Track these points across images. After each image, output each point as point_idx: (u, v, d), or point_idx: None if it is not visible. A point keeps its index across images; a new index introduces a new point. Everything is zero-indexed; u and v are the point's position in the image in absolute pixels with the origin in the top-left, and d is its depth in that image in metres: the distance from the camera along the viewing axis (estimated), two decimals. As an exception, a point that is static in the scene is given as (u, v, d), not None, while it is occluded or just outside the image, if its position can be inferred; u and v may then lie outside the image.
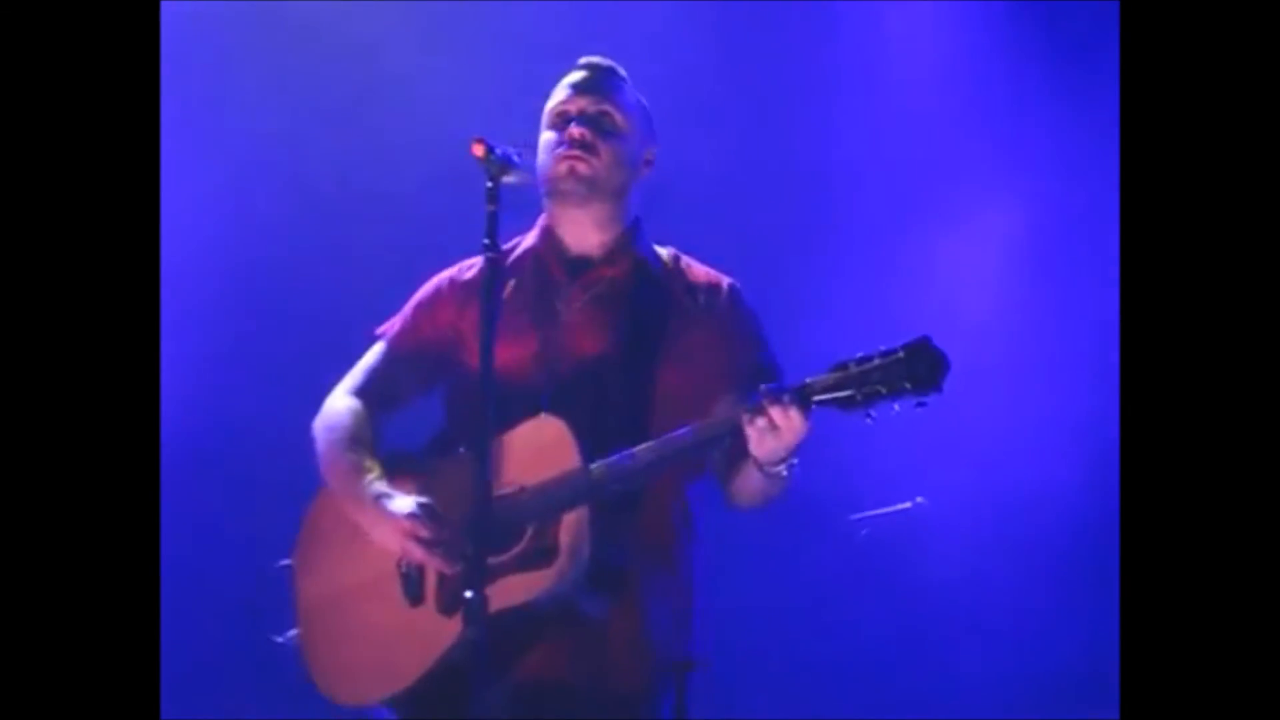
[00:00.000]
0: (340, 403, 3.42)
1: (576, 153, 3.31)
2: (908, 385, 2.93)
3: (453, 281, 3.42)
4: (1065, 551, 5.65)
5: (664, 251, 3.45)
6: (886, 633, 5.68)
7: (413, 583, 3.22)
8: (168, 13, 3.27)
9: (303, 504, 3.44)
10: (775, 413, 2.99)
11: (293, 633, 3.44)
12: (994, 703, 5.58)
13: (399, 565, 3.24)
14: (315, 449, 3.38)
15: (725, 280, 3.43)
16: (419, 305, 3.46)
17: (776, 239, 5.66)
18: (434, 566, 3.18)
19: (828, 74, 5.81)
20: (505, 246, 3.42)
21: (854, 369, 2.98)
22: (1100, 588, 4.96)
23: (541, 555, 3.10)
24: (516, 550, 3.11)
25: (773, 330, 3.43)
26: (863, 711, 5.62)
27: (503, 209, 2.98)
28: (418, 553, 3.17)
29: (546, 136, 3.37)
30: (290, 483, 3.50)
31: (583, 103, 3.36)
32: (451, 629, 3.11)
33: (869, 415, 2.98)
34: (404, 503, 3.20)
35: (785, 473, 3.11)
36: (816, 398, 3.00)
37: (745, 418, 3.02)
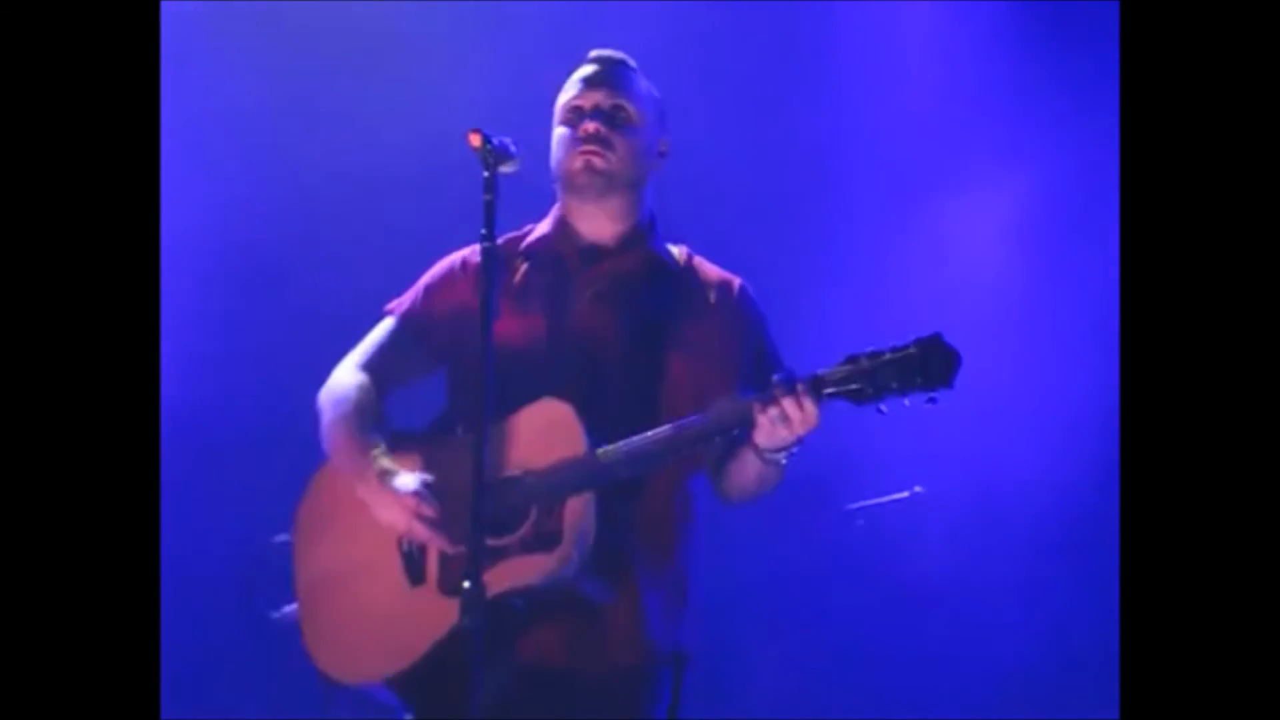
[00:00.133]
0: (347, 377, 3.40)
1: (593, 148, 3.31)
2: (919, 380, 2.95)
3: (465, 262, 3.41)
4: (1065, 541, 5.62)
5: (677, 249, 3.46)
6: (883, 622, 5.65)
7: (414, 562, 3.23)
8: (167, 9, 3.28)
9: (301, 481, 3.43)
10: (788, 403, 3.01)
11: (289, 608, 3.45)
12: (992, 694, 5.56)
13: (400, 544, 3.24)
14: (320, 421, 3.37)
15: (736, 280, 3.44)
16: (431, 284, 3.45)
17: (773, 230, 5.64)
18: (437, 546, 3.18)
19: (826, 65, 5.79)
20: (518, 233, 3.45)
21: (866, 363, 2.99)
22: (1100, 577, 4.94)
23: (545, 539, 3.10)
24: (520, 533, 3.11)
25: (772, 321, 3.44)
26: (859, 702, 5.61)
27: (499, 198, 3.00)
28: (421, 531, 3.17)
29: (560, 132, 3.38)
30: (289, 460, 3.52)
31: (596, 97, 3.36)
32: (452, 610, 3.05)
33: (880, 409, 3.00)
34: (409, 480, 3.20)
35: (785, 461, 3.13)
36: (828, 390, 3.01)
37: (757, 407, 3.04)
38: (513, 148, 3.02)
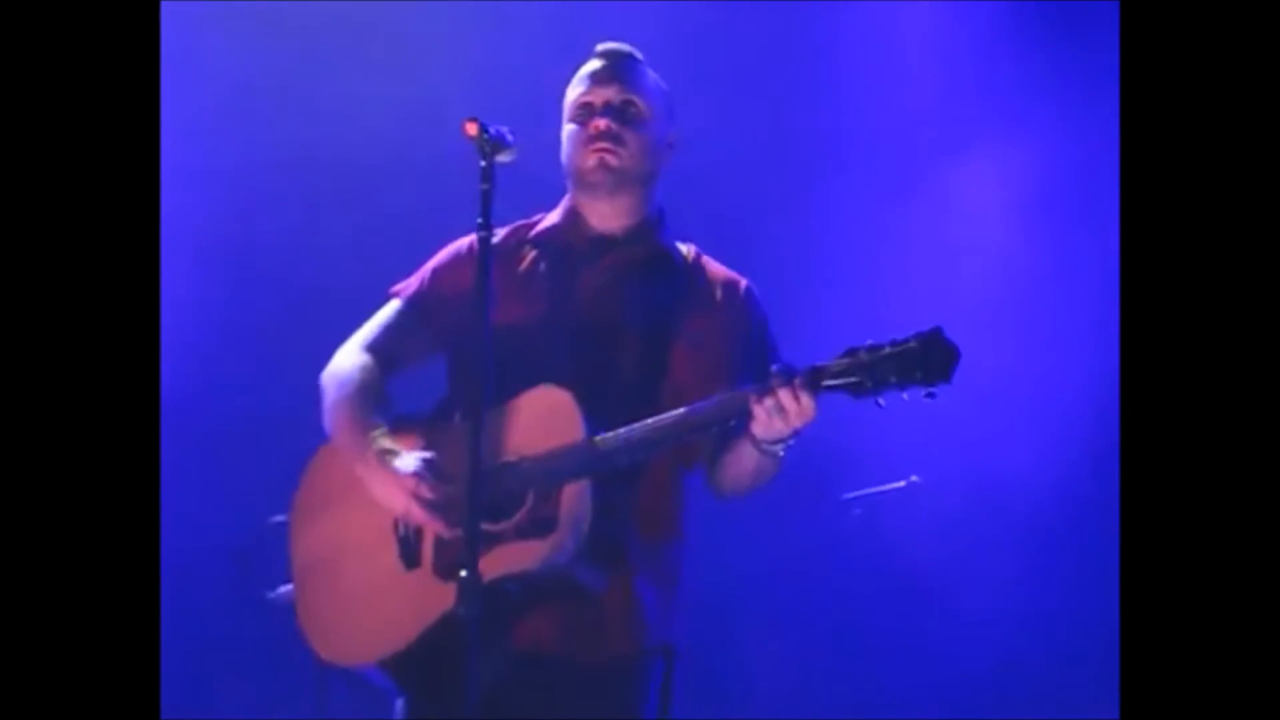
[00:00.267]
0: (351, 358, 3.41)
1: (605, 145, 3.32)
2: (918, 375, 2.94)
3: (472, 247, 3.39)
4: (1063, 530, 5.63)
5: (685, 247, 3.46)
6: (879, 613, 5.68)
7: (409, 546, 3.23)
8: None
9: (300, 463, 3.44)
10: (784, 395, 3.00)
11: (285, 589, 3.47)
12: (990, 685, 5.58)
13: (396, 527, 3.25)
14: (322, 401, 3.38)
15: (742, 281, 3.44)
16: (438, 268, 3.46)
17: (771, 224, 5.65)
18: (434, 528, 3.18)
19: (825, 54, 5.79)
20: (527, 221, 3.46)
21: (865, 356, 2.98)
22: (1099, 567, 4.92)
23: (541, 525, 3.10)
24: (515, 519, 3.12)
25: (773, 315, 3.45)
26: (855, 694, 5.63)
27: (496, 187, 3.01)
28: (418, 513, 3.17)
29: (570, 129, 3.38)
30: (287, 442, 3.53)
31: (606, 93, 3.36)
32: (447, 594, 3.06)
33: (879, 402, 2.99)
34: (408, 460, 3.20)
35: (782, 452, 3.13)
36: (826, 382, 3.01)
37: (754, 398, 3.03)
38: (509, 137, 3.02)
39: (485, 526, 3.03)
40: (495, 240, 3.29)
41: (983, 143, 5.84)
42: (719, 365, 3.26)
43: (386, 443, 3.25)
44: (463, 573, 2.83)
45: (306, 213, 5.50)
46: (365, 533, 3.28)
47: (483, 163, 3.01)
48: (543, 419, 3.16)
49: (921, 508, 5.50)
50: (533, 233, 3.45)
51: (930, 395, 2.97)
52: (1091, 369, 5.43)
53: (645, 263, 3.39)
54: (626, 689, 3.23)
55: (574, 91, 3.41)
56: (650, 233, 3.42)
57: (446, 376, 3.43)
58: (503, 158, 3.02)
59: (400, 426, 3.31)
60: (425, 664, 3.17)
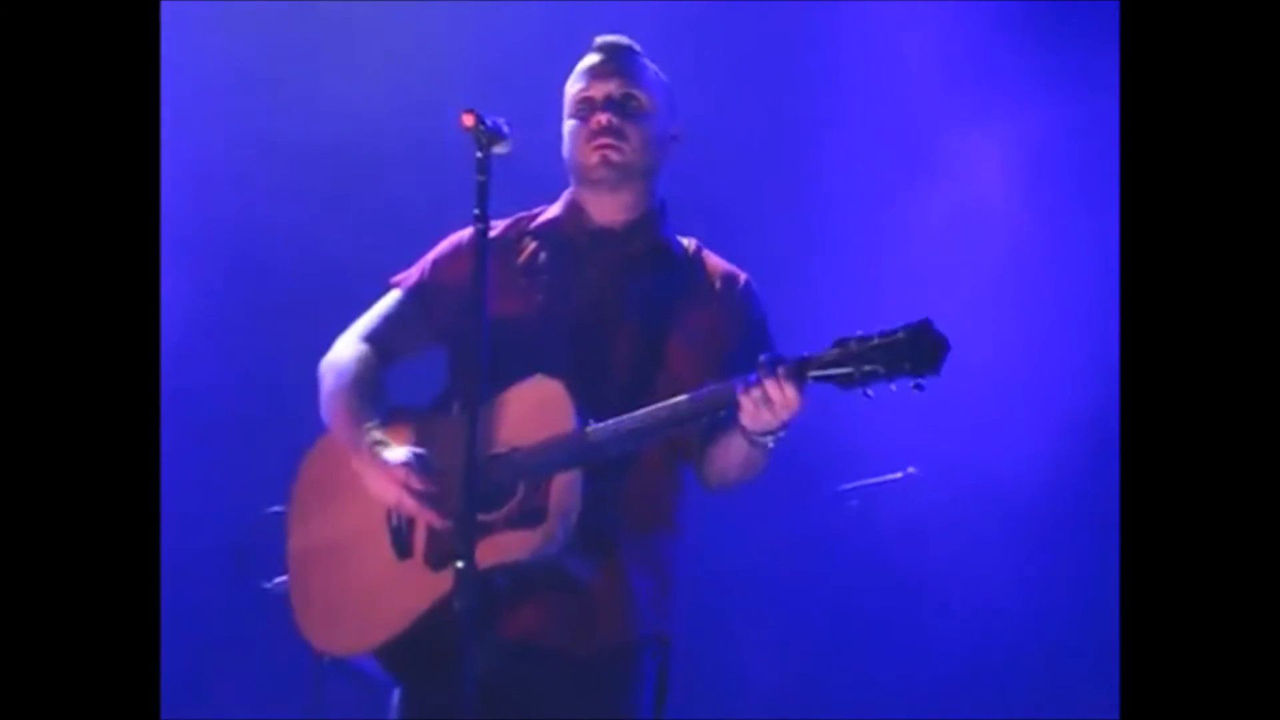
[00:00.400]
0: (349, 348, 3.42)
1: (607, 140, 3.32)
2: (906, 366, 2.92)
3: (472, 237, 3.36)
4: (1061, 523, 5.63)
5: (686, 241, 3.47)
6: (875, 604, 5.68)
7: (401, 536, 3.24)
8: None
9: (297, 454, 3.46)
10: (770, 385, 2.99)
11: (281, 579, 3.47)
12: (987, 677, 5.58)
13: (389, 518, 3.25)
14: (320, 391, 3.39)
15: (742, 275, 3.45)
16: (438, 259, 3.46)
17: (768, 217, 5.66)
18: (424, 519, 3.19)
19: (823, 44, 5.80)
20: (529, 214, 3.47)
21: (854, 346, 2.96)
22: (1098, 558, 4.96)
23: (531, 515, 3.11)
24: (506, 509, 3.12)
25: (771, 307, 3.45)
26: (851, 685, 5.64)
27: (493, 179, 3.00)
28: (409, 503, 3.18)
29: (571, 125, 3.38)
30: (285, 433, 3.54)
31: (607, 88, 3.36)
32: (437, 584, 3.10)
33: (866, 393, 2.97)
34: (398, 452, 3.21)
35: (771, 444, 3.12)
36: (813, 373, 3.00)
37: (741, 388, 3.03)
38: (506, 128, 3.02)
39: (479, 518, 3.02)
40: (496, 232, 3.33)
41: (982, 134, 5.82)
42: (716, 358, 3.25)
43: (378, 434, 3.25)
44: (459, 564, 2.83)
45: (304, 205, 5.51)
46: (359, 523, 3.29)
47: (479, 154, 3.00)
48: (534, 410, 3.16)
49: (918, 500, 5.50)
50: (533, 225, 3.46)
51: (918, 387, 2.95)
52: (1091, 360, 5.42)
53: (645, 256, 3.39)
54: (618, 680, 3.23)
55: (574, 86, 3.41)
56: (651, 227, 3.42)
57: (446, 368, 3.43)
58: (499, 149, 3.02)
59: (394, 418, 3.32)
60: (417, 654, 3.18)
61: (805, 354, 3.02)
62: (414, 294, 3.45)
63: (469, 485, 2.89)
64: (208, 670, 5.41)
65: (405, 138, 5.34)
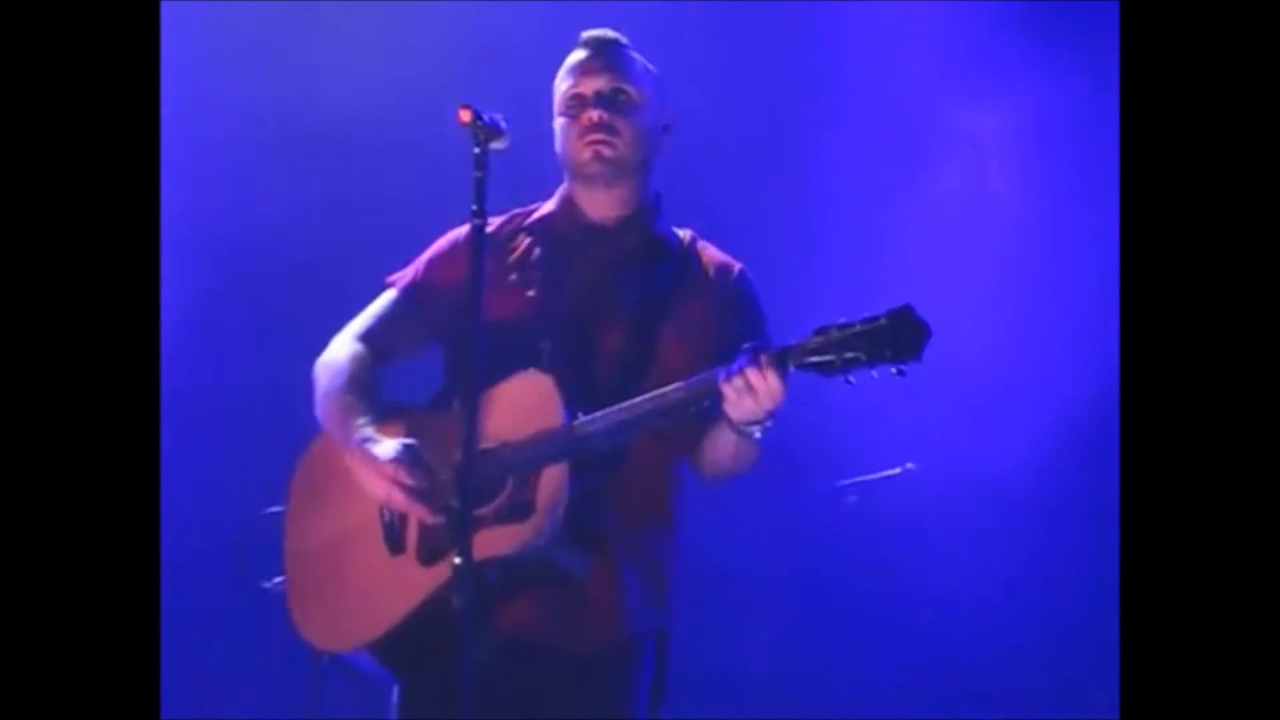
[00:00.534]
0: (344, 347, 3.44)
1: (599, 136, 3.32)
2: (888, 353, 2.91)
3: (468, 237, 3.38)
4: (1060, 518, 5.63)
5: (682, 232, 3.47)
6: (873, 600, 5.67)
7: (394, 532, 3.25)
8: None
9: (296, 453, 3.47)
10: (752, 374, 2.99)
11: (280, 579, 3.48)
12: (986, 675, 5.59)
13: (382, 514, 3.26)
14: (315, 390, 3.40)
15: (736, 265, 3.45)
16: (433, 258, 3.47)
17: (762, 200, 5.67)
18: (415, 514, 3.20)
19: (817, 34, 5.80)
20: (524, 210, 3.48)
21: (836, 334, 2.96)
22: (1098, 555, 4.97)
23: (519, 510, 3.11)
24: (495, 504, 3.12)
25: (766, 299, 3.44)
26: (850, 682, 5.63)
27: (490, 174, 2.99)
28: (398, 499, 3.19)
29: (562, 122, 3.38)
30: (286, 432, 3.53)
31: (596, 83, 3.36)
32: (429, 578, 3.13)
33: (848, 380, 2.96)
34: (387, 448, 3.22)
35: (759, 434, 3.11)
36: (795, 361, 2.99)
37: (723, 378, 3.02)
38: (503, 124, 3.01)
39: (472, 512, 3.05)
40: (491, 229, 3.32)
41: (980, 124, 5.83)
42: (710, 350, 3.23)
43: (369, 431, 3.27)
44: (457, 560, 2.83)
45: (303, 203, 5.51)
46: (354, 520, 3.30)
47: (476, 150, 3.00)
48: (523, 405, 3.16)
49: (917, 495, 5.50)
50: (528, 221, 3.46)
51: (900, 373, 2.93)
52: (1090, 355, 5.42)
53: (639, 251, 3.40)
54: (614, 675, 3.23)
55: (563, 83, 3.42)
56: (645, 221, 3.42)
57: (443, 367, 3.44)
58: (497, 145, 3.01)
59: (388, 416, 3.33)
60: (413, 649, 3.19)
61: (788, 343, 3.02)
62: (409, 293, 3.47)
63: (464, 481, 2.89)
64: (208, 671, 5.41)
65: (406, 133, 5.33)
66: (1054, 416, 5.61)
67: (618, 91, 3.36)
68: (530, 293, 3.35)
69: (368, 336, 3.45)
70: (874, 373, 2.94)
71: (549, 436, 3.13)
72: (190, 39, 5.21)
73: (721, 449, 3.23)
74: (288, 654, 3.53)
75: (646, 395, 3.11)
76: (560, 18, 3.50)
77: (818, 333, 2.99)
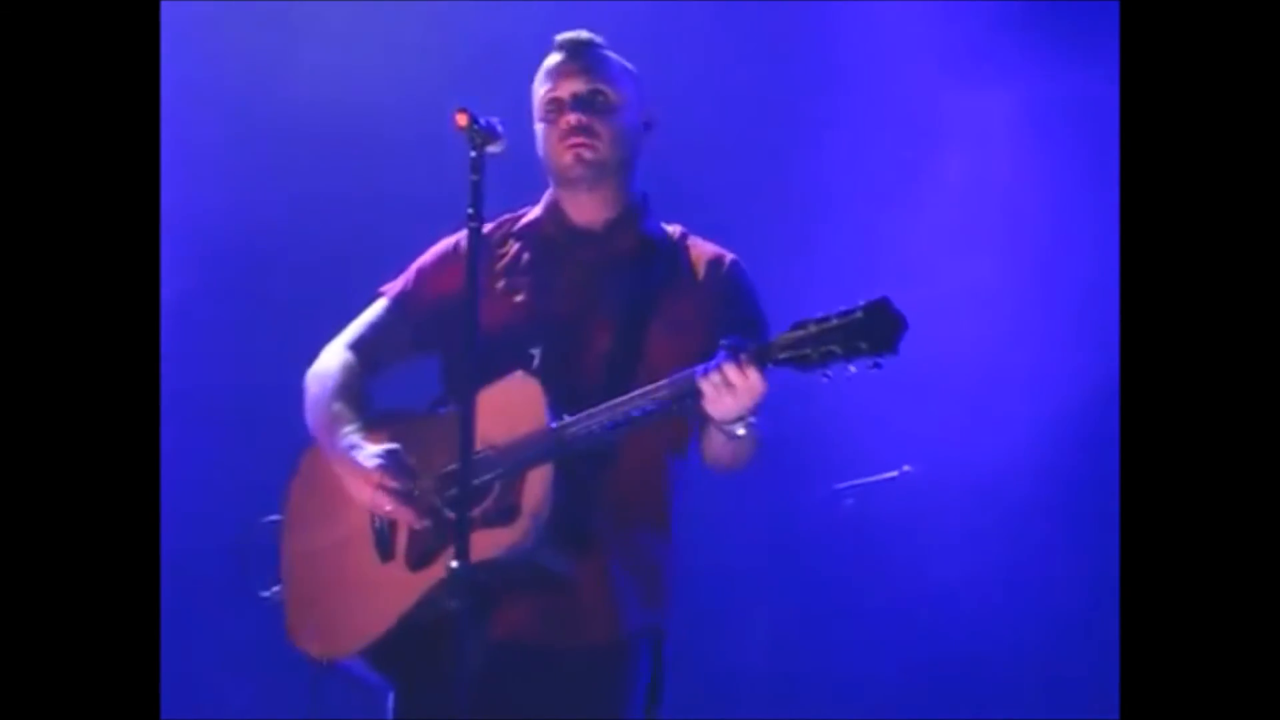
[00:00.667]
0: (334, 356, 3.45)
1: (579, 140, 3.33)
2: (864, 346, 2.89)
3: (458, 245, 3.43)
4: (1060, 519, 5.63)
5: (671, 228, 3.47)
6: (871, 603, 5.67)
7: (384, 538, 3.26)
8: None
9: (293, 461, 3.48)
10: (730, 371, 2.98)
11: (277, 588, 3.48)
12: (985, 676, 5.59)
13: (373, 521, 3.27)
14: (305, 399, 3.42)
15: (728, 255, 3.44)
16: (424, 267, 3.49)
17: (757, 203, 5.67)
18: (401, 519, 3.21)
19: (811, 23, 5.80)
20: (512, 215, 3.48)
21: (813, 328, 2.95)
22: (1097, 557, 4.96)
23: (505, 513, 3.12)
24: (482, 508, 3.12)
25: (762, 290, 3.44)
26: (847, 685, 5.63)
27: (486, 178, 2.99)
28: (383, 504, 3.20)
29: (542, 128, 3.38)
30: (285, 440, 3.54)
31: (573, 86, 3.37)
32: (418, 584, 3.15)
33: (825, 375, 2.95)
34: (371, 453, 3.23)
35: (743, 431, 3.09)
36: (773, 357, 2.98)
37: (701, 375, 3.02)
38: (499, 128, 3.01)
39: (451, 515, 3.09)
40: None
41: (978, 118, 5.80)
42: (701, 346, 3.19)
43: (356, 438, 3.28)
44: (453, 563, 2.83)
45: (303, 203, 5.52)
46: (347, 528, 3.31)
47: (473, 154, 3.00)
48: (508, 408, 3.16)
49: (914, 498, 5.50)
50: (516, 227, 3.47)
51: (876, 366, 2.92)
52: (1089, 354, 5.42)
53: (627, 252, 3.40)
54: (608, 677, 3.23)
55: (540, 88, 3.42)
56: (632, 222, 3.42)
57: (439, 375, 3.45)
58: (493, 148, 3.01)
59: (375, 423, 3.34)
60: (404, 655, 3.21)
61: (767, 339, 3.01)
62: (398, 303, 3.48)
63: (464, 484, 2.89)
64: (207, 672, 5.41)
65: (406, 133, 5.34)
66: (1053, 414, 5.61)
67: (595, 93, 3.36)
68: (519, 298, 3.36)
69: (357, 345, 3.46)
70: (852, 366, 2.93)
71: (533, 439, 3.14)
72: (190, 39, 5.21)
73: (716, 445, 3.22)
74: (287, 656, 3.52)
75: (626, 396, 3.11)
76: (560, 19, 3.49)
77: (795, 327, 2.98)
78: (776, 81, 5.81)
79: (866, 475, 5.52)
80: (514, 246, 3.44)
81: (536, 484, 3.11)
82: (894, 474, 5.47)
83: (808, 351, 2.94)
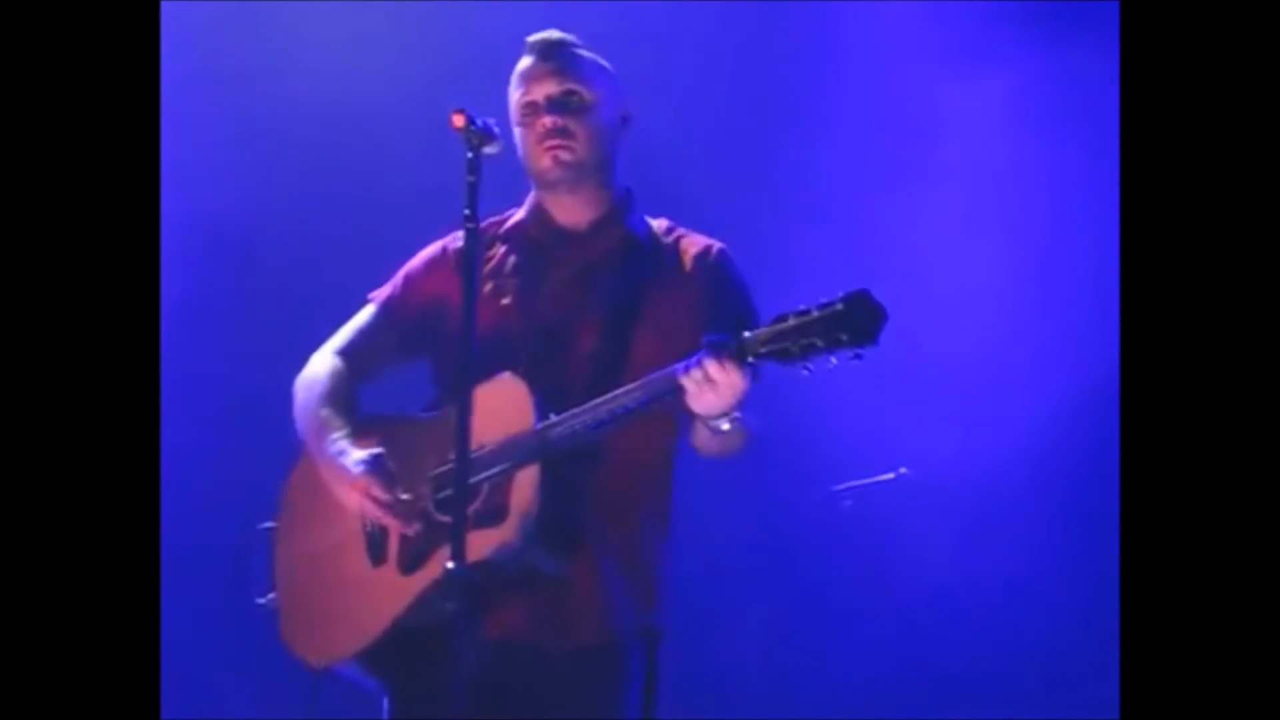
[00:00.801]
0: (322, 362, 3.46)
1: (556, 142, 3.32)
2: (844, 337, 2.89)
3: (445, 250, 3.45)
4: (1059, 520, 5.61)
5: (657, 223, 3.46)
6: (869, 604, 5.66)
7: (376, 543, 3.27)
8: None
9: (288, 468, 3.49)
10: (711, 366, 2.98)
11: (273, 595, 3.47)
12: (985, 678, 5.56)
13: (364, 525, 3.28)
14: (294, 406, 3.43)
15: (715, 246, 3.43)
16: (411, 272, 3.49)
17: (756, 200, 5.66)
18: (389, 525, 3.22)
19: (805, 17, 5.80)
20: (498, 218, 3.47)
21: (793, 321, 2.94)
22: (1097, 557, 4.96)
23: (494, 514, 3.12)
24: (471, 508, 3.10)
25: (755, 281, 3.43)
26: (845, 686, 5.61)
27: (482, 179, 2.99)
28: (371, 509, 3.21)
29: (519, 132, 3.37)
30: (280, 448, 3.55)
31: (546, 88, 3.35)
32: (409, 587, 3.16)
33: (806, 369, 2.95)
34: (356, 459, 3.23)
35: (728, 426, 3.08)
36: (754, 352, 2.97)
37: (682, 372, 3.01)
38: (496, 129, 3.01)
39: (441, 518, 3.10)
40: (462, 239, 3.29)
41: (976, 112, 5.79)
42: (688, 340, 3.15)
43: (344, 444, 3.28)
44: (449, 564, 2.82)
45: (303, 204, 5.52)
46: (338, 533, 3.32)
47: (469, 155, 3.00)
48: (496, 409, 3.16)
49: (912, 500, 5.49)
50: (501, 230, 3.47)
51: (858, 357, 2.91)
52: (1088, 353, 5.40)
53: (611, 253, 3.39)
54: (602, 677, 3.23)
55: (515, 92, 3.41)
56: (616, 221, 3.42)
57: (431, 379, 3.45)
58: (490, 150, 3.01)
59: (364, 428, 3.34)
60: (397, 658, 3.21)
61: (745, 333, 3.00)
62: (386, 308, 3.49)
63: (461, 485, 2.89)
64: (207, 676, 5.40)
65: (406, 134, 5.33)
66: (1052, 413, 5.59)
67: (569, 94, 3.35)
68: (505, 300, 3.36)
69: (345, 351, 3.47)
70: (833, 359, 2.92)
71: (519, 440, 3.14)
72: (190, 39, 5.21)
73: (703, 439, 3.21)
74: (286, 658, 3.52)
75: (609, 394, 3.11)
76: (558, 19, 3.49)
77: (776, 320, 2.97)
78: (772, 75, 5.80)
79: (864, 476, 5.51)
80: (500, 249, 3.44)
81: (524, 484, 3.11)
82: (890, 476, 5.46)
83: (788, 345, 2.94)
